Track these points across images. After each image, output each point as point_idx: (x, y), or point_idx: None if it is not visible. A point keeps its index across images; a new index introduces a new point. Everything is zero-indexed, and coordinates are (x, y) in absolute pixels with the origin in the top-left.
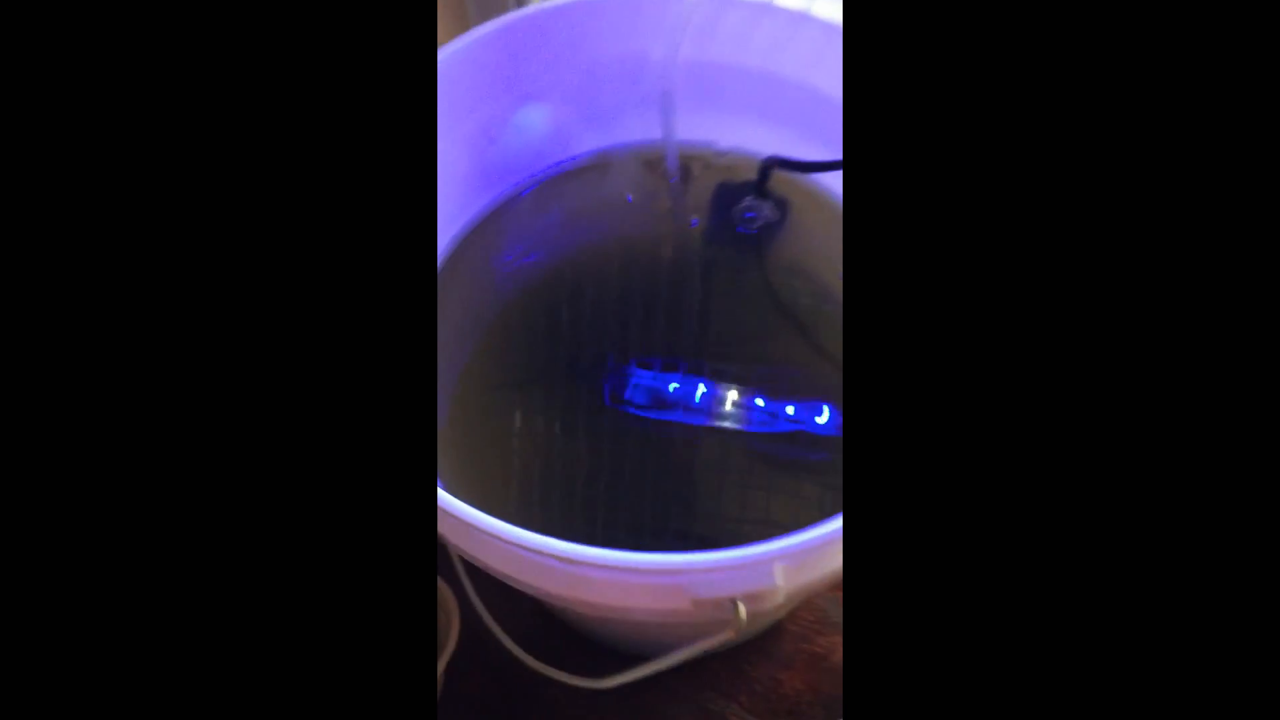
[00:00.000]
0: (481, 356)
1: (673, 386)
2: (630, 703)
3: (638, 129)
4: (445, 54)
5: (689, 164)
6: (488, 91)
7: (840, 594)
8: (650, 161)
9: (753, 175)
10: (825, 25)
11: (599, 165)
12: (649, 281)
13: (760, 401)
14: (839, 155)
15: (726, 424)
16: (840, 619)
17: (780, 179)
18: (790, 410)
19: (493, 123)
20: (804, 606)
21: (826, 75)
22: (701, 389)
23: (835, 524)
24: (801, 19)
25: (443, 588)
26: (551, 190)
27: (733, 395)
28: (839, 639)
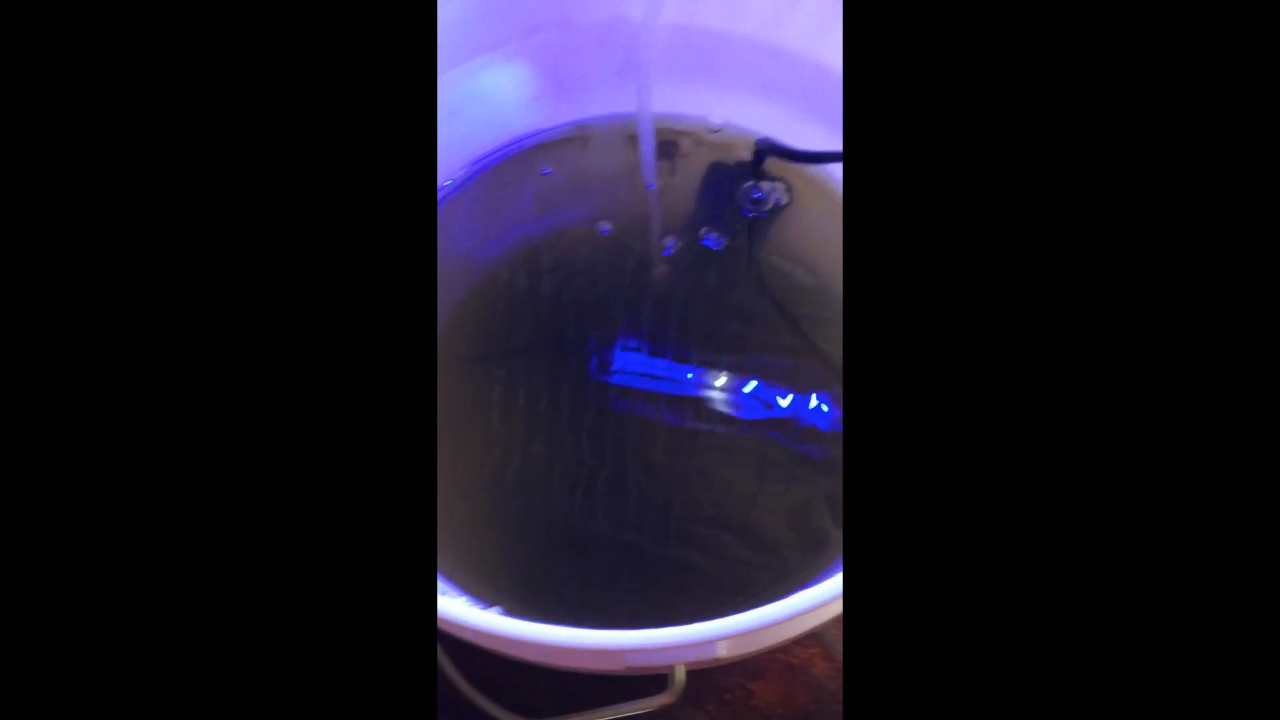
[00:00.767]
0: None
1: (658, 375)
2: None
3: (621, 100)
4: None
5: (678, 140)
6: (448, 54)
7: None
8: (634, 136)
9: (748, 154)
10: None
11: (578, 138)
12: (628, 269)
13: (749, 388)
14: (842, 135)
15: (715, 409)
16: (820, 629)
17: (775, 160)
18: (783, 401)
19: (454, 91)
20: None
21: (830, 47)
22: (689, 375)
23: (788, 603)
24: None
25: None
26: (522, 164)
27: (721, 381)
28: (818, 650)
